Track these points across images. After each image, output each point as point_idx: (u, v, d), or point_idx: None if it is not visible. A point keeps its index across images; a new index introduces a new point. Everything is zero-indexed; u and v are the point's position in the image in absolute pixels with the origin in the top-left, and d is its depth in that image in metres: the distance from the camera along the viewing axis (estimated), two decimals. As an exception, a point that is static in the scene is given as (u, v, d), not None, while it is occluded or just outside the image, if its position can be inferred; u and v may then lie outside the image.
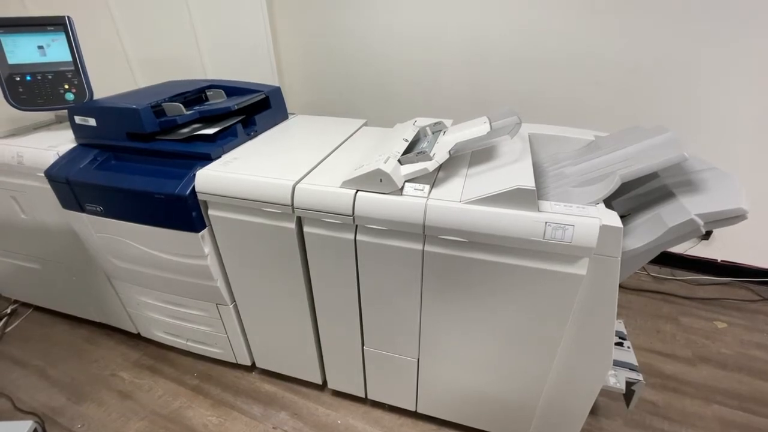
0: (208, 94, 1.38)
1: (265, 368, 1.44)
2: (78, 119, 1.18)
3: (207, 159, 1.10)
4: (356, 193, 0.92)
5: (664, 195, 0.87)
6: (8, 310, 1.76)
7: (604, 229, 0.77)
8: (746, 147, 1.58)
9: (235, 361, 1.44)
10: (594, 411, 1.27)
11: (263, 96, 1.35)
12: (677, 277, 1.88)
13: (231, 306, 1.28)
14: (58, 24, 1.23)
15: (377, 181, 0.89)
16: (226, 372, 1.48)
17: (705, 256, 1.86)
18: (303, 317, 1.20)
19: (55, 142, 1.24)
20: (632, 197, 0.95)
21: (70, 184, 1.15)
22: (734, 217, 0.74)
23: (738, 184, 0.79)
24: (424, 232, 0.89)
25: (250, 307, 1.28)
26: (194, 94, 1.33)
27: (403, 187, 0.91)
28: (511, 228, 0.82)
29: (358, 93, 2.06)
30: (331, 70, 2.06)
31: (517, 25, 1.64)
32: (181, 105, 1.19)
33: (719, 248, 1.83)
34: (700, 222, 0.74)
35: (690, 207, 0.77)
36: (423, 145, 1.04)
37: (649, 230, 0.81)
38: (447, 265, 0.92)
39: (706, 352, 1.51)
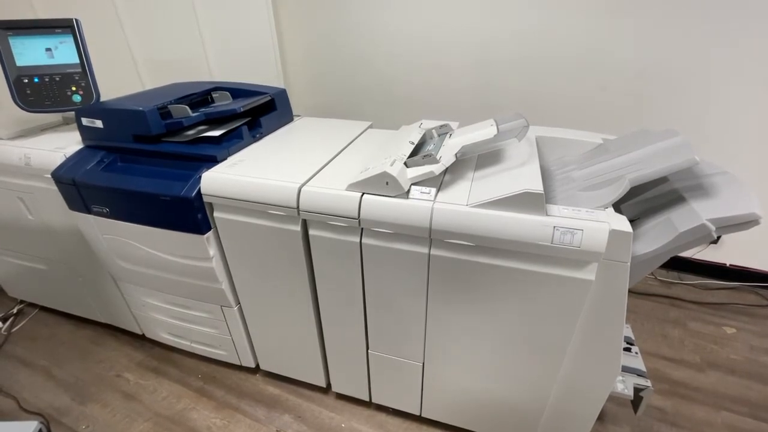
0: (213, 96, 1.38)
1: (269, 370, 1.43)
2: (85, 121, 1.18)
3: (213, 161, 1.10)
4: (362, 196, 0.92)
5: (675, 199, 0.85)
6: (14, 311, 1.76)
7: (614, 234, 0.76)
8: (756, 150, 1.56)
9: (239, 363, 1.44)
10: (601, 417, 1.25)
11: (269, 98, 1.35)
12: (685, 281, 1.86)
13: (235, 308, 1.28)
14: (65, 26, 1.24)
15: (383, 183, 0.89)
16: (231, 374, 1.48)
17: (713, 260, 1.84)
18: (307, 320, 1.19)
19: (62, 144, 1.25)
20: (641, 201, 0.94)
21: (76, 185, 1.16)
22: (747, 223, 0.72)
23: (750, 188, 0.78)
24: (431, 235, 0.88)
25: (254, 309, 1.27)
26: (200, 96, 1.34)
27: (409, 190, 0.90)
28: (518, 232, 0.81)
29: (364, 95, 2.05)
30: (336, 72, 2.06)
31: (523, 27, 1.63)
32: (187, 107, 1.19)
33: (728, 252, 1.81)
34: (712, 227, 0.73)
35: (701, 212, 0.76)
36: (429, 147, 1.04)
37: (659, 235, 0.80)
38: (453, 269, 0.91)
39: (715, 358, 1.49)
